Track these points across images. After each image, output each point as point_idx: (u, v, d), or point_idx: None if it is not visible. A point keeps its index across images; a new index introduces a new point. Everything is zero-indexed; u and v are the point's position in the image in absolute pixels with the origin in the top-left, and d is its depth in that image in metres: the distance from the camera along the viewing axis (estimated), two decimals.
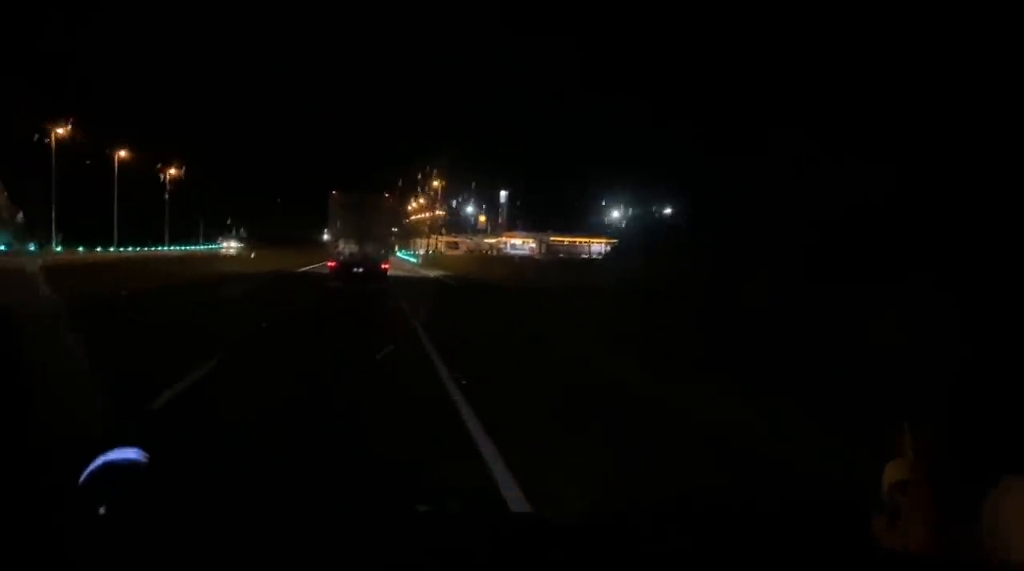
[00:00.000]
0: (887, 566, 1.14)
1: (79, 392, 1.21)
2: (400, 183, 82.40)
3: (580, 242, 68.69)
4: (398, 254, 77.90)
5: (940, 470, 1.16)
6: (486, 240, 73.52)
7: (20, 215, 1.38)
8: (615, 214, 56.49)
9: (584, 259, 48.85)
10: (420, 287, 27.83)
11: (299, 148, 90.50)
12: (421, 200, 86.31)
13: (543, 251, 67.98)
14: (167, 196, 56.25)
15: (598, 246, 62.62)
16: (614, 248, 32.13)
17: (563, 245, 70.08)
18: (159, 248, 50.83)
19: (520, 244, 71.88)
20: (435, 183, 74.15)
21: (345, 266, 24.54)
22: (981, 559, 1.04)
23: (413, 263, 59.11)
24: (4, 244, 1.33)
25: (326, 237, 30.65)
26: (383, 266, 25.16)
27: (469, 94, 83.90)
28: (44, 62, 45.16)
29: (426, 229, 78.09)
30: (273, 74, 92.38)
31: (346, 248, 24.94)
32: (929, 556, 1.12)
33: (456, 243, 71.94)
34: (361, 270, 24.35)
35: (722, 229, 16.24)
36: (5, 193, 1.36)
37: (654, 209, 33.50)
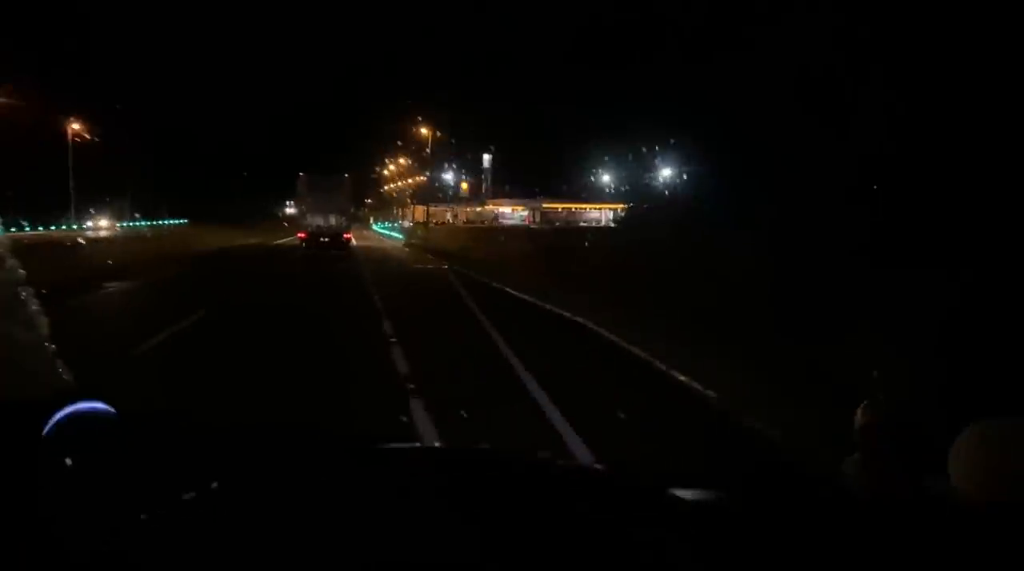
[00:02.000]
0: (856, 510, 1.23)
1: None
2: (374, 148, 79.87)
3: (577, 208, 67.80)
4: (375, 228, 75.77)
5: (909, 413, 1.26)
6: (476, 209, 71.70)
7: None
8: (605, 178, 55.79)
9: (594, 227, 47.39)
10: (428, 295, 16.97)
11: (264, 122, 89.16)
12: (401, 160, 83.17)
13: (537, 220, 67.08)
14: (90, 164, 49.76)
15: (597, 213, 61.88)
16: (631, 214, 30.94)
17: (558, 213, 69.11)
18: (55, 228, 43.46)
19: (510, 212, 70.81)
20: (423, 131, 67.27)
21: (313, 236, 32.02)
22: (954, 501, 1.13)
23: (397, 239, 52.94)
24: None
25: (288, 210, 38.39)
26: (345, 236, 32.74)
27: (444, 57, 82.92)
28: None
29: (408, 198, 75.64)
30: (232, 44, 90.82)
31: (313, 222, 32.34)
32: (898, 496, 1.22)
33: (456, 214, 68.85)
34: (327, 240, 31.70)
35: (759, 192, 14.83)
36: None
37: (647, 174, 32.79)
